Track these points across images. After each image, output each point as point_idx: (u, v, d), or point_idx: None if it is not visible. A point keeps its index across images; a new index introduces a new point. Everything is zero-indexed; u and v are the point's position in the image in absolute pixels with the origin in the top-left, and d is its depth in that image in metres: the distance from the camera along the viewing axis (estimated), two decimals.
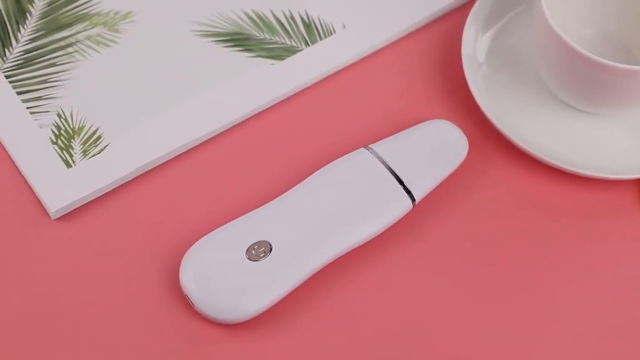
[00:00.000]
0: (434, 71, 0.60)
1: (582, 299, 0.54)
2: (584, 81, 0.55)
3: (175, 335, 0.52)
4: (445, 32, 0.62)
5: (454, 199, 0.56)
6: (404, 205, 0.54)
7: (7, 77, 0.58)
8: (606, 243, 0.56)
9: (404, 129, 0.57)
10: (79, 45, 0.59)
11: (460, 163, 0.56)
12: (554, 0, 0.56)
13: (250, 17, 0.61)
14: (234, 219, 0.54)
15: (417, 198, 0.55)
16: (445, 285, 0.54)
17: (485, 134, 0.58)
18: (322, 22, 0.61)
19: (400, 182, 0.55)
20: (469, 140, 0.57)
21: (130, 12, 0.61)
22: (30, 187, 0.55)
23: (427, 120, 0.58)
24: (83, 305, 0.52)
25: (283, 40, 0.60)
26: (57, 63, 0.59)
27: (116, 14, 0.61)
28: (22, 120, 0.57)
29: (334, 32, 0.61)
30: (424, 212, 0.56)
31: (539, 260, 0.55)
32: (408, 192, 0.54)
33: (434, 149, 0.56)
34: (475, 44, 0.59)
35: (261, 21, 0.61)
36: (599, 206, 0.57)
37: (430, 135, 0.57)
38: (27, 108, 0.57)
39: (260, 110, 0.59)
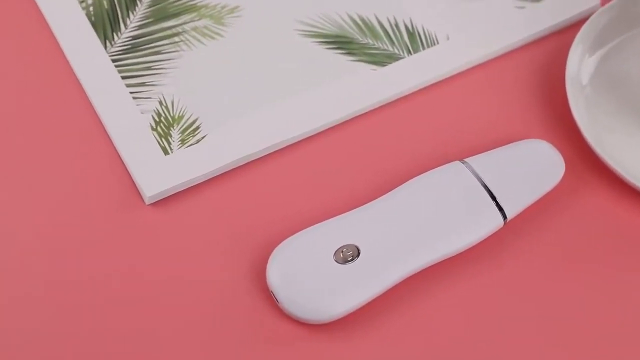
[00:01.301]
0: (533, 90, 0.60)
1: None
2: None
3: (258, 330, 0.52)
4: (546, 53, 0.61)
5: (546, 220, 0.56)
6: (495, 221, 0.54)
7: (113, 61, 0.59)
8: None
9: (499, 145, 0.57)
10: (185, 35, 0.60)
11: (555, 185, 0.56)
12: None
13: (354, 21, 0.61)
14: (324, 220, 0.54)
15: (509, 216, 0.54)
16: (532, 307, 0.53)
17: (583, 158, 0.57)
18: (426, 31, 0.61)
19: (493, 198, 0.54)
20: (566, 163, 0.57)
21: (237, 7, 0.61)
22: (127, 171, 0.56)
23: (523, 139, 0.58)
24: (168, 292, 0.53)
25: (386, 47, 0.60)
26: (163, 51, 0.59)
27: (223, 7, 0.61)
28: (125, 105, 0.57)
29: (437, 42, 0.60)
30: (514, 231, 0.55)
31: (632, 292, 0.54)
32: (500, 209, 0.54)
33: (529, 168, 0.55)
34: (580, 65, 0.59)
35: (365, 26, 0.61)
36: None
37: (527, 154, 0.56)
38: (130, 93, 0.58)
39: (357, 115, 0.59)
